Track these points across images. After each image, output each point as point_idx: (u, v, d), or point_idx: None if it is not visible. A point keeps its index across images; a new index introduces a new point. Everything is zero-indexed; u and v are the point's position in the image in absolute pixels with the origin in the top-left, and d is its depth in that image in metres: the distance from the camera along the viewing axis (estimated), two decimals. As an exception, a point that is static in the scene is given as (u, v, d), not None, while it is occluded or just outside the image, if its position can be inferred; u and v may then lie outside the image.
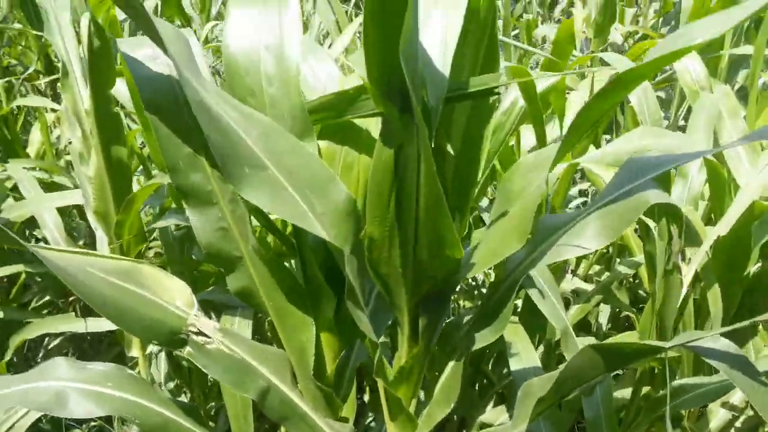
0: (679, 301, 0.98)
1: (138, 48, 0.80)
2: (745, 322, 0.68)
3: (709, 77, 1.79)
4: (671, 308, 0.98)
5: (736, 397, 1.29)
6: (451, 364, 0.85)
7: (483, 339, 0.82)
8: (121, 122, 1.18)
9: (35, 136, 2.37)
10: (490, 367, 1.60)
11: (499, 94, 0.77)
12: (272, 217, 0.92)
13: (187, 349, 0.79)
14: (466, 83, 0.71)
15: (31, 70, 3.03)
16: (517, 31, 3.34)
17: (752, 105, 1.64)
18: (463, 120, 0.78)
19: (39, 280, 1.86)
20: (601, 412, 1.16)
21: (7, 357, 1.33)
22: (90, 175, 1.21)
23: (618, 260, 1.87)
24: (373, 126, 0.86)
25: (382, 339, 0.97)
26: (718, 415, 1.28)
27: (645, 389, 1.33)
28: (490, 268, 1.37)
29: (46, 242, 1.48)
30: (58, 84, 2.97)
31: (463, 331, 0.88)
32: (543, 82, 1.19)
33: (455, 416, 1.55)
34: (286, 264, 0.87)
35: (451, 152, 0.79)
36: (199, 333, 0.79)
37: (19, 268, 1.44)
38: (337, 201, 0.77)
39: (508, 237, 0.77)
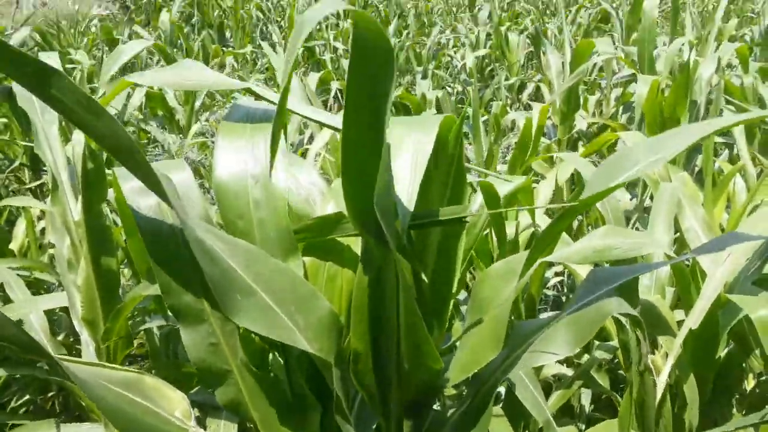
0: (657, 400, 1.02)
1: (133, 179, 0.86)
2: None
3: (667, 165, 1.91)
4: (649, 406, 1.02)
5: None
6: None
7: (464, 446, 0.85)
8: (110, 233, 1.23)
9: (20, 230, 2.40)
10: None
11: (467, 222, 0.84)
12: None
13: (185, 463, 0.81)
14: (437, 211, 0.78)
15: (16, 164, 3.09)
16: (486, 118, 3.52)
17: (708, 192, 1.75)
18: (437, 238, 0.85)
19: (17, 377, 1.84)
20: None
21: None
22: (78, 283, 1.25)
23: (597, 343, 1.92)
24: (354, 241, 0.93)
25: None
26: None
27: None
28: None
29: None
30: (44, 175, 3.00)
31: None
32: (508, 185, 1.28)
33: None
34: (273, 374, 0.90)
35: (428, 267, 0.86)
36: (197, 444, 0.82)
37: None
38: (320, 315, 0.82)
39: (484, 346, 0.82)
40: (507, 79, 4.58)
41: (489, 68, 5.17)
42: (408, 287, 0.70)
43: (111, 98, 1.02)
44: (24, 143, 3.02)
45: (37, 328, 1.51)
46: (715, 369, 1.41)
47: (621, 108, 2.90)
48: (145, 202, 0.89)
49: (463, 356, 0.85)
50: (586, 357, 1.86)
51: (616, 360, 1.99)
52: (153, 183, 0.76)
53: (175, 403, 0.85)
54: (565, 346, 0.82)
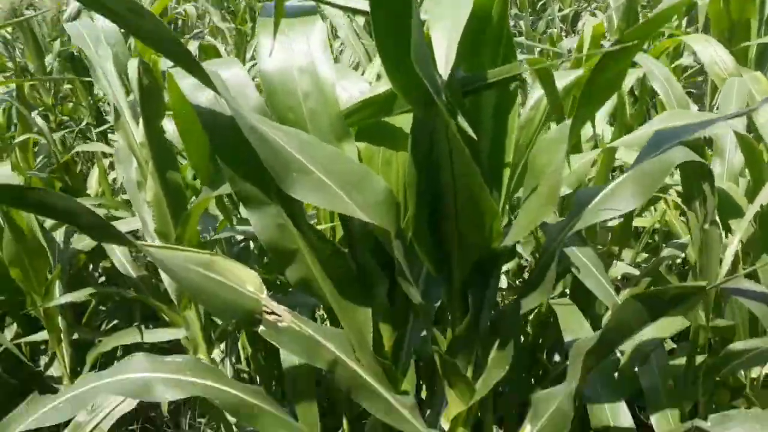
0: (720, 255, 0.99)
1: (187, 77, 0.89)
2: None
3: (738, 66, 1.81)
4: (713, 261, 0.99)
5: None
6: (503, 333, 0.89)
7: (529, 304, 0.86)
8: (173, 150, 1.28)
9: (93, 181, 2.54)
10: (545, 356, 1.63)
11: (519, 80, 0.83)
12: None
13: (261, 327, 0.86)
14: (485, 75, 0.77)
15: (83, 124, 3.23)
16: (540, 48, 3.39)
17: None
18: (490, 109, 0.85)
19: (104, 309, 1.98)
20: (658, 380, 1.17)
21: (86, 370, 1.45)
22: (148, 199, 1.32)
23: (664, 245, 1.88)
24: (406, 124, 0.93)
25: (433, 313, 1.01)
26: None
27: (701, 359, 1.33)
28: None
29: (116, 271, 1.60)
30: (109, 134, 3.14)
31: (512, 301, 0.92)
32: (566, 77, 1.23)
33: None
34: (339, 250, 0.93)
35: (485, 135, 0.86)
36: (272, 313, 0.87)
37: (89, 290, 1.54)
38: (376, 193, 0.84)
39: (541, 206, 0.83)
40: (560, 10, 4.39)
41: (541, 2, 4.97)
42: (460, 145, 0.70)
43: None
44: (89, 101, 3.17)
45: (118, 253, 1.62)
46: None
47: (684, 21, 2.74)
48: (203, 96, 0.92)
49: (520, 220, 0.85)
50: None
51: (687, 267, 1.94)
52: (199, 73, 0.78)
53: (246, 279, 0.90)
54: (629, 200, 0.81)
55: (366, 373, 0.93)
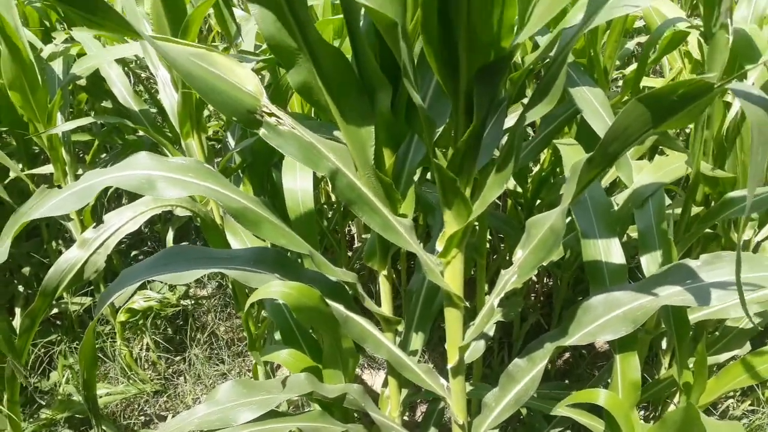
0: (725, 58, 0.97)
1: None
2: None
3: None
4: (718, 65, 0.97)
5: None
6: (505, 150, 0.88)
7: (533, 115, 0.85)
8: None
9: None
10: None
11: None
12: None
13: (262, 130, 0.86)
14: None
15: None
16: None
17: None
18: None
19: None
20: (653, 223, 1.18)
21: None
22: (146, 11, 1.27)
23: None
24: None
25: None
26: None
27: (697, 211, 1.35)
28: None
29: (114, 98, 1.58)
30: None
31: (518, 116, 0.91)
32: None
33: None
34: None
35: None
36: (272, 114, 0.86)
37: (89, 119, 1.54)
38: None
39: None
40: None
41: None
42: None
43: None
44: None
45: (118, 84, 1.59)
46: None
47: None
48: None
49: (535, 12, 0.81)
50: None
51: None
52: None
53: (245, 78, 0.88)
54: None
55: (366, 189, 0.94)
